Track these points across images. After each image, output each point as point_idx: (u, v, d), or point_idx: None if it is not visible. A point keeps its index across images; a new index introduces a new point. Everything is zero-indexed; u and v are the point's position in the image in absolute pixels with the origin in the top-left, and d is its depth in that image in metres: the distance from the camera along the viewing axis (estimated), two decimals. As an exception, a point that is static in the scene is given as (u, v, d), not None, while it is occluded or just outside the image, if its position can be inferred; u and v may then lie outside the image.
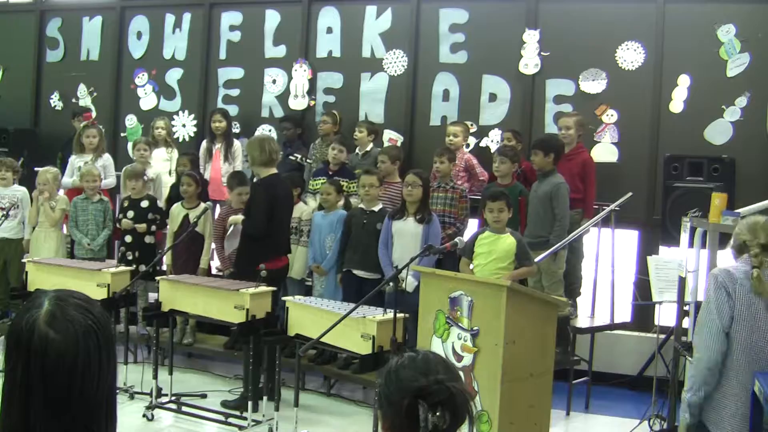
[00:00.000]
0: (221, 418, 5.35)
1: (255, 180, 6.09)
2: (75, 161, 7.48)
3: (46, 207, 6.96)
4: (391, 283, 4.58)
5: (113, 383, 1.46)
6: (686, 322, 5.16)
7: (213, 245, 6.76)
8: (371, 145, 7.18)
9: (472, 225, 6.42)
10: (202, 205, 6.46)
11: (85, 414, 1.39)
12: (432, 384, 1.72)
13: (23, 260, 6.36)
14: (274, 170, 5.80)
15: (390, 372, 1.80)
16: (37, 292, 1.50)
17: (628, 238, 6.78)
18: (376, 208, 6.12)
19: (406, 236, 5.78)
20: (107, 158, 7.55)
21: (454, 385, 1.73)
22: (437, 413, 1.68)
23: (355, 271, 6.05)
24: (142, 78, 8.55)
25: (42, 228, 7.02)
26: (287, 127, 7.56)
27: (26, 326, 1.39)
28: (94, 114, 8.44)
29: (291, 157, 7.23)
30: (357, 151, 7.18)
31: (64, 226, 7.13)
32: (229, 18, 8.25)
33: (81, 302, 1.44)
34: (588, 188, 6.33)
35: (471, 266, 5.32)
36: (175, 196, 7.02)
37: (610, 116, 6.91)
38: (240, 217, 5.95)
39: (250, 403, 5.21)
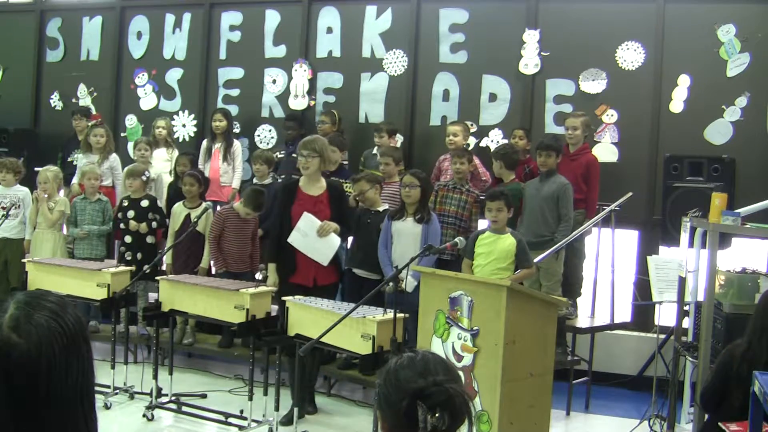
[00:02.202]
0: (221, 418, 5.35)
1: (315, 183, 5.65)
2: (81, 161, 7.48)
3: (44, 208, 6.94)
4: (390, 283, 4.58)
5: (87, 385, 1.44)
6: (686, 322, 5.17)
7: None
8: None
9: (481, 226, 6.44)
10: (203, 205, 6.46)
11: (56, 416, 1.39)
12: (431, 385, 1.72)
13: (23, 260, 6.36)
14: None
15: (389, 373, 1.80)
16: (6, 297, 1.50)
17: (628, 238, 6.78)
18: (380, 209, 6.09)
19: (405, 236, 5.77)
20: (114, 159, 7.54)
21: (453, 387, 1.73)
22: (436, 414, 1.68)
23: (356, 270, 6.04)
24: (142, 78, 8.55)
25: (40, 229, 7.00)
26: (292, 127, 7.46)
27: None
28: (93, 113, 8.45)
29: (294, 155, 7.21)
30: (375, 151, 7.09)
31: (64, 227, 7.12)
32: (229, 18, 8.25)
33: (51, 305, 1.43)
34: (591, 189, 6.33)
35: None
36: (174, 195, 7.01)
37: (610, 116, 6.92)
38: (336, 225, 5.45)
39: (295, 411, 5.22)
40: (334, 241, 5.41)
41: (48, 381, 1.37)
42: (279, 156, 7.38)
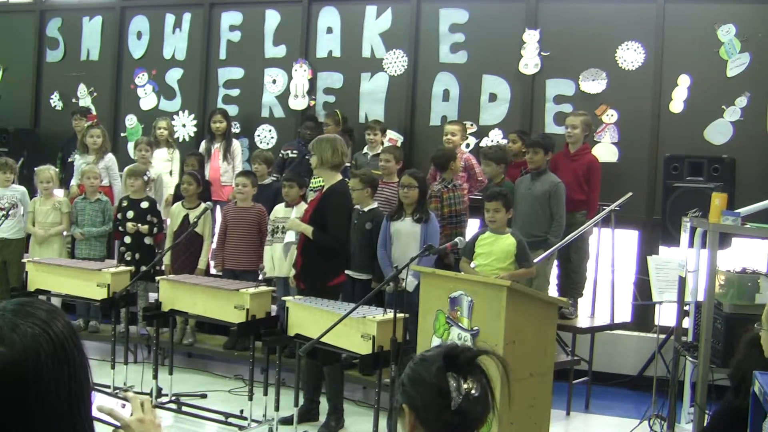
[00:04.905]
0: (221, 418, 5.35)
1: (321, 186, 5.55)
2: (79, 161, 7.48)
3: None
4: (391, 283, 4.58)
5: (79, 392, 1.43)
6: (686, 322, 5.16)
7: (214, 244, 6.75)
8: (380, 146, 7.12)
9: (474, 225, 6.44)
10: (202, 206, 6.45)
11: (46, 423, 1.38)
12: (458, 347, 1.76)
13: (23, 260, 6.36)
14: (340, 176, 5.33)
15: (414, 359, 1.84)
16: (6, 297, 1.50)
17: (628, 238, 6.78)
18: (366, 208, 6.07)
19: (404, 236, 5.77)
20: (109, 159, 7.52)
21: (480, 349, 1.77)
22: (468, 379, 1.70)
23: (346, 271, 5.99)
24: (142, 78, 8.55)
25: (44, 229, 6.97)
26: (310, 127, 7.19)
27: None
28: (92, 113, 8.45)
29: (307, 156, 7.20)
30: (366, 150, 7.11)
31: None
32: (229, 18, 8.25)
33: (39, 311, 1.42)
34: (592, 190, 6.31)
35: (473, 265, 5.33)
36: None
37: (610, 116, 6.92)
38: (307, 226, 5.22)
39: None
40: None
41: (37, 388, 1.36)
42: (290, 155, 7.32)
